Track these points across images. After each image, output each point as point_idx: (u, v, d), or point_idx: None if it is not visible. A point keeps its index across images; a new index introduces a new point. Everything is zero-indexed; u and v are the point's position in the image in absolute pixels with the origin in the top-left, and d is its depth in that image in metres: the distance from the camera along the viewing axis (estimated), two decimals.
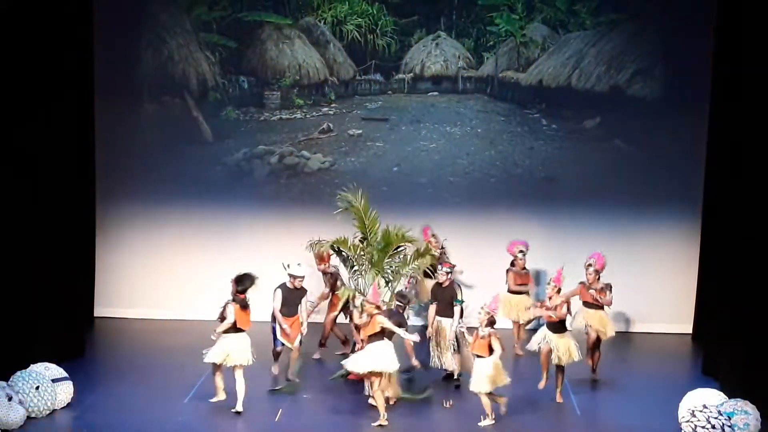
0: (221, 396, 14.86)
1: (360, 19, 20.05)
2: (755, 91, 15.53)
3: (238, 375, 14.62)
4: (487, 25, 20.03)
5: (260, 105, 20.16)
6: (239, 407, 14.55)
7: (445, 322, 16.08)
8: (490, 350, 14.34)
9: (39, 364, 14.96)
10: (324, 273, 17.30)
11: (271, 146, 20.17)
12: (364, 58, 20.17)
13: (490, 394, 14.42)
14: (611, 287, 16.57)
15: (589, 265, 16.66)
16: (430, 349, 16.16)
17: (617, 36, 19.90)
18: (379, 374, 14.19)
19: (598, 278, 16.65)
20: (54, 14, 16.46)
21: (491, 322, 14.50)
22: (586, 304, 16.67)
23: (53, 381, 14.70)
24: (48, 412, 14.54)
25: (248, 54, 20.10)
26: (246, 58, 20.09)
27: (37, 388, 14.43)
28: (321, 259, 17.02)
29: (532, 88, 20.13)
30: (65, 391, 14.92)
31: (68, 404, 14.94)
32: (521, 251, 18.02)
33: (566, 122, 20.09)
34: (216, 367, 14.69)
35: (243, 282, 14.69)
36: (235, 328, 14.55)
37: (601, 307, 16.58)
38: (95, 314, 19.72)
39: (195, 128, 20.08)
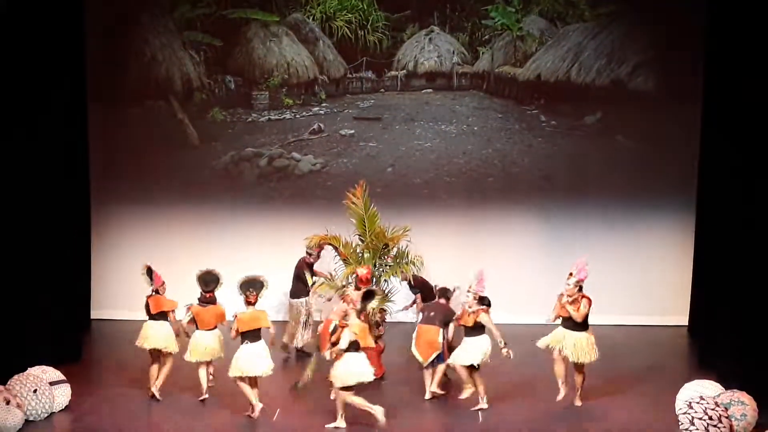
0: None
1: (350, 15, 20.10)
2: (750, 86, 15.86)
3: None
4: (482, 18, 20.05)
5: (248, 105, 20.29)
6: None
7: None
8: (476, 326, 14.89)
9: (36, 367, 15.29)
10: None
11: (260, 148, 20.29)
12: (354, 55, 20.21)
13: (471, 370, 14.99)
14: (589, 300, 15.63)
15: (570, 274, 15.64)
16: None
17: (617, 28, 19.99)
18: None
19: (580, 289, 15.62)
20: (43, 16, 16.78)
21: (482, 302, 15.15)
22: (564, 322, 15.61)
23: (51, 384, 15.05)
24: (46, 415, 14.86)
25: (234, 53, 20.14)
26: (232, 57, 20.14)
27: (35, 391, 14.75)
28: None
29: (529, 84, 20.15)
30: (63, 394, 15.28)
31: (66, 407, 15.31)
32: None
33: (566, 118, 20.20)
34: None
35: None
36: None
37: (582, 328, 15.70)
38: (92, 317, 20.04)
39: (180, 131, 20.19)
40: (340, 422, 14.61)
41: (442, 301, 16.32)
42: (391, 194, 19.83)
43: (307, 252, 17.65)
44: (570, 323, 15.53)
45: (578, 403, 15.66)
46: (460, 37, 20.17)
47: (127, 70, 20.00)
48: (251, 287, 15.17)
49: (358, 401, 14.43)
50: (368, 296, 14.91)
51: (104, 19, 19.58)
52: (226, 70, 20.29)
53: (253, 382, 15.02)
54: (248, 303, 15.13)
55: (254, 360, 14.90)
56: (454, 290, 16.44)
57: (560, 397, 15.58)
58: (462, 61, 20.30)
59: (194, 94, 20.22)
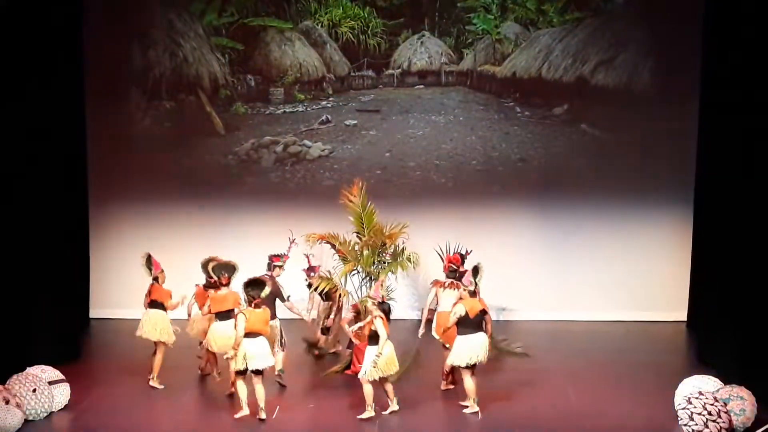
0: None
1: (353, 22, 17.46)
2: (746, 78, 12.88)
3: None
4: (465, 24, 17.47)
5: (266, 100, 17.64)
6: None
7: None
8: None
9: (35, 366, 12.39)
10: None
11: (276, 137, 17.62)
12: (357, 57, 17.69)
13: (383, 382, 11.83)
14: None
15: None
16: None
17: (611, 27, 16.70)
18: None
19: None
20: (42, 13, 13.81)
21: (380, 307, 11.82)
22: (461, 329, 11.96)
23: (50, 383, 12.14)
24: (45, 414, 12.01)
25: (254, 55, 17.65)
26: (252, 59, 17.65)
27: (34, 390, 11.91)
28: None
29: (506, 80, 17.44)
30: (62, 394, 12.34)
31: (65, 406, 12.29)
32: None
33: (537, 109, 17.13)
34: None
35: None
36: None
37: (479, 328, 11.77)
38: (91, 315, 16.85)
39: (208, 122, 17.47)
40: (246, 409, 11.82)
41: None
42: (389, 176, 17.32)
43: (274, 265, 13.70)
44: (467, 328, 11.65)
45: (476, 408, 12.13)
46: (447, 40, 17.62)
47: (131, 68, 16.86)
48: (224, 270, 12.73)
49: (241, 390, 11.81)
50: (253, 285, 11.66)
51: (103, 16, 16.52)
52: (247, 70, 17.53)
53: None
54: (221, 285, 12.63)
55: (227, 339, 12.07)
56: (467, 253, 13.28)
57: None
58: (449, 61, 17.55)
59: (220, 90, 17.43)
